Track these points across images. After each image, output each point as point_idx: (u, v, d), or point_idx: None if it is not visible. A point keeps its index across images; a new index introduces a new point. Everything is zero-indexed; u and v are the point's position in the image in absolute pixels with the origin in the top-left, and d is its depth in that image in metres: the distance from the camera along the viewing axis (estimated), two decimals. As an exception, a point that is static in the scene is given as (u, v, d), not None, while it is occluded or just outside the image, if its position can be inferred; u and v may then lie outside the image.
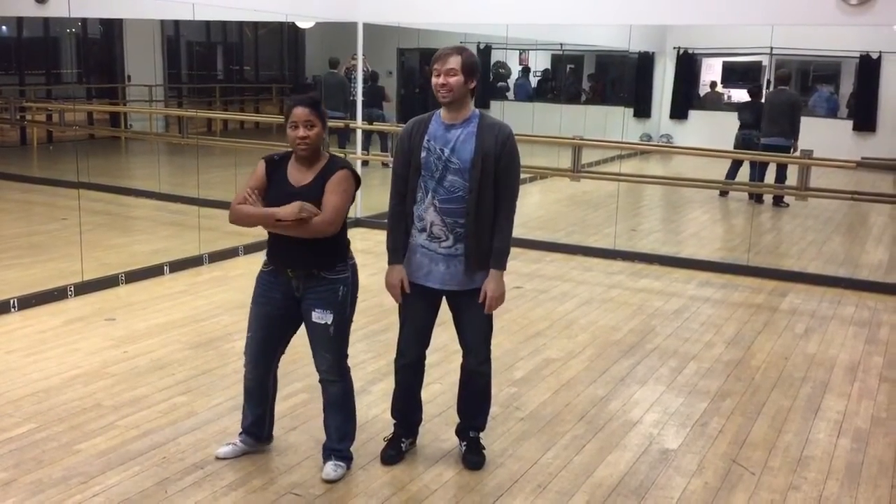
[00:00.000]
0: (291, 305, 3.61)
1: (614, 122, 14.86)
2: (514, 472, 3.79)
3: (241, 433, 3.85)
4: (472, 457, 3.82)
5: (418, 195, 3.59)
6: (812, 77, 17.18)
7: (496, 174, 3.53)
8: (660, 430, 4.29)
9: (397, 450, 3.85)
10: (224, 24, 17.53)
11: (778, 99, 10.80)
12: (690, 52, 16.75)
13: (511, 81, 18.05)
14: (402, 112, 14.40)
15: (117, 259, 7.13)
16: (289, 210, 3.41)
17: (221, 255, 7.37)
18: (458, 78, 3.47)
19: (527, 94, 17.65)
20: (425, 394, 3.98)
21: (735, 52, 15.77)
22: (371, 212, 8.56)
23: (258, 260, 3.80)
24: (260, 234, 3.74)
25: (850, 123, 15.48)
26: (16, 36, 15.24)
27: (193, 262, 7.14)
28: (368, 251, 7.48)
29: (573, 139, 8.51)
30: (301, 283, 3.56)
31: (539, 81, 18.37)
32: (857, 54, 15.21)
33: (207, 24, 17.07)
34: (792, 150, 10.34)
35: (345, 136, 11.95)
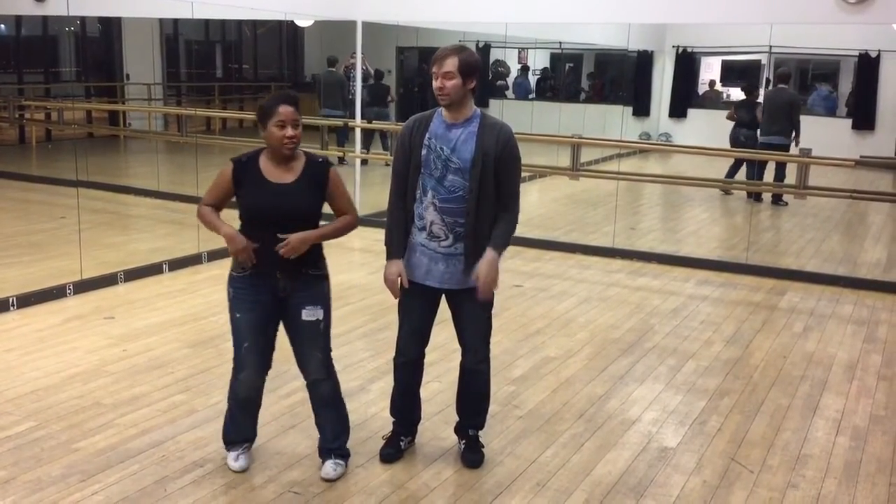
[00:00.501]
0: (277, 306, 3.56)
1: (613, 120, 14.89)
2: (513, 470, 3.79)
3: (245, 445, 3.75)
4: (471, 455, 3.82)
5: (418, 193, 3.59)
6: (811, 76, 17.19)
7: (497, 174, 3.52)
8: (658, 428, 4.29)
9: (396, 448, 3.85)
10: (223, 22, 17.52)
11: (778, 98, 10.81)
12: (689, 50, 16.76)
13: (510, 80, 18.06)
14: (401, 111, 14.39)
15: (116, 257, 7.13)
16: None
17: (220, 254, 7.33)
18: (456, 81, 3.44)
19: (526, 92, 17.65)
20: (424, 392, 3.99)
21: (734, 51, 15.78)
22: (371, 210, 8.55)
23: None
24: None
25: (848, 122, 15.49)
26: (14, 34, 15.23)
27: (192, 260, 7.14)
28: (367, 249, 7.48)
29: (572, 138, 8.52)
30: (289, 283, 3.52)
31: (538, 80, 18.38)
32: (856, 53, 15.23)
33: (206, 23, 17.06)
34: (795, 144, 10.37)
35: (343, 135, 11.96)
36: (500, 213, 3.58)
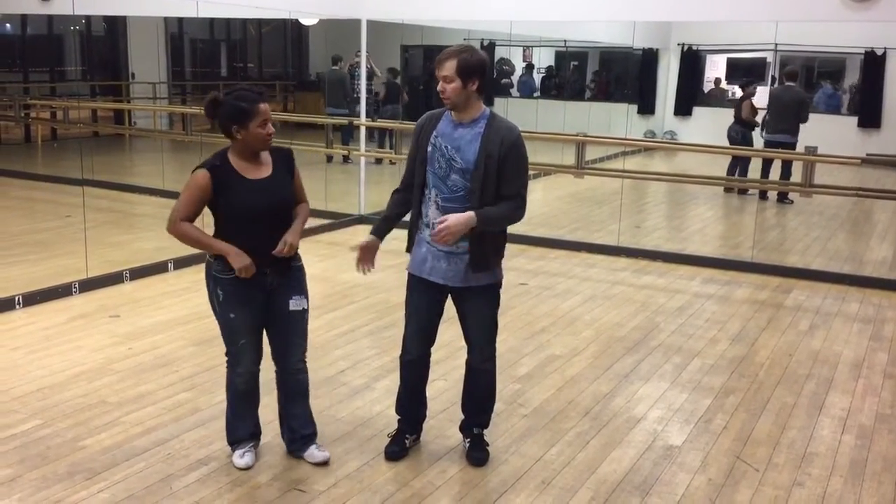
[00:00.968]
0: (265, 300, 3.61)
1: (618, 118, 14.84)
2: (518, 468, 3.79)
3: (252, 443, 3.77)
4: (476, 453, 3.82)
5: (424, 191, 3.60)
6: (817, 73, 17.14)
7: (501, 174, 3.48)
8: (664, 426, 4.28)
9: (401, 446, 3.86)
10: (228, 21, 17.52)
11: (786, 96, 10.79)
12: (695, 48, 16.73)
13: (515, 78, 18.03)
14: (406, 109, 14.39)
15: (121, 256, 7.14)
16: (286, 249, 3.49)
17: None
18: (455, 84, 3.43)
19: (531, 90, 17.64)
20: (430, 390, 3.98)
21: (739, 49, 15.75)
22: (375, 209, 8.56)
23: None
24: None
25: (854, 120, 15.44)
26: (20, 33, 15.26)
27: (197, 258, 7.12)
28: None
29: (577, 136, 8.49)
30: (276, 277, 3.58)
31: (543, 78, 18.36)
32: (862, 50, 15.17)
33: (211, 22, 17.07)
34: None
35: (348, 133, 11.96)
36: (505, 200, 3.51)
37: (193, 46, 18.13)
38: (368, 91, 10.86)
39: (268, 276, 3.55)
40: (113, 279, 6.51)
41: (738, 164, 11.08)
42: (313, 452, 3.77)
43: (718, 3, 7.69)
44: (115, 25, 15.35)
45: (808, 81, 16.63)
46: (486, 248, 3.56)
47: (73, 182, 8.87)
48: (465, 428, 3.91)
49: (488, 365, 3.78)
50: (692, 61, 16.95)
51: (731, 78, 17.20)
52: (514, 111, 14.80)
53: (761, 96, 11.99)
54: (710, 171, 11.37)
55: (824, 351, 5.50)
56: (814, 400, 4.68)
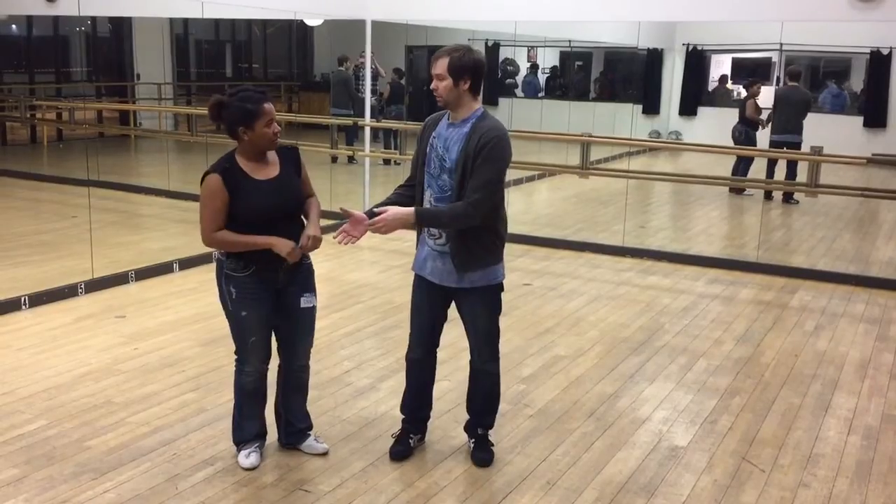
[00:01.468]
0: (275, 298, 3.64)
1: (623, 118, 14.83)
2: (523, 468, 3.79)
3: (258, 442, 3.77)
4: (481, 454, 3.82)
5: (423, 189, 3.62)
6: (822, 73, 17.10)
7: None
8: (669, 427, 4.28)
9: (405, 446, 3.86)
10: (233, 21, 17.57)
11: (792, 96, 10.78)
12: (699, 48, 16.70)
13: (519, 78, 18.03)
14: (410, 109, 14.40)
15: (127, 256, 7.16)
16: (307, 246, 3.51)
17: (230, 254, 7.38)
18: (446, 82, 3.44)
19: (535, 90, 17.63)
20: (434, 390, 3.98)
21: (744, 48, 15.72)
22: (379, 209, 8.56)
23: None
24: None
25: (860, 119, 15.40)
26: (26, 35, 15.30)
27: (203, 259, 7.15)
28: (376, 248, 7.47)
29: (582, 136, 8.49)
30: (288, 275, 3.61)
31: (547, 78, 18.35)
32: (868, 50, 15.13)
33: (216, 22, 17.11)
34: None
35: (353, 134, 11.97)
36: (455, 205, 3.44)
37: (198, 47, 18.17)
38: (373, 92, 10.87)
39: (279, 274, 3.57)
40: (119, 280, 6.53)
41: (741, 164, 11.09)
42: (313, 444, 3.83)
43: (723, 3, 7.67)
44: (121, 26, 15.40)
45: (813, 81, 16.60)
46: (469, 245, 3.53)
47: (78, 183, 8.89)
48: (469, 428, 3.91)
49: (489, 366, 3.78)
50: (697, 61, 16.93)
51: (736, 78, 17.18)
52: (519, 111, 14.81)
53: (766, 96, 11.98)
54: (715, 171, 11.36)
55: (830, 351, 5.48)
56: (820, 400, 4.67)
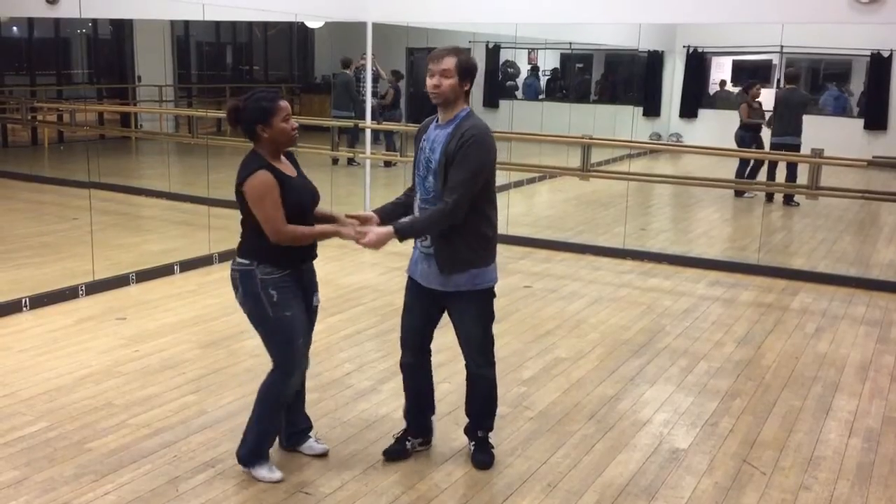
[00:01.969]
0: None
1: (623, 121, 14.83)
2: (524, 471, 3.79)
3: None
4: (481, 456, 3.82)
5: (415, 192, 3.65)
6: (823, 75, 17.10)
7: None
8: (670, 429, 4.28)
9: (401, 446, 3.86)
10: (234, 24, 17.58)
11: (792, 98, 10.78)
12: (700, 50, 16.70)
13: (520, 80, 18.03)
14: (410, 112, 14.40)
15: (128, 258, 7.16)
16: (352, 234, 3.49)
17: (231, 255, 7.37)
18: (453, 80, 3.43)
19: (536, 93, 17.62)
20: (434, 393, 3.97)
21: (745, 51, 15.71)
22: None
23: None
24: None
25: (861, 122, 15.39)
26: (27, 37, 15.32)
27: (203, 261, 7.16)
28: (377, 251, 7.49)
29: (582, 138, 8.49)
30: (310, 274, 3.67)
31: (548, 80, 18.34)
32: (869, 52, 15.12)
33: (217, 25, 17.13)
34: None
35: (354, 136, 11.97)
36: (433, 211, 3.44)
37: (199, 49, 18.18)
38: (374, 94, 10.87)
39: (304, 273, 3.62)
40: (119, 282, 6.53)
41: (747, 167, 11.08)
42: (312, 445, 3.84)
43: (724, 5, 7.67)
44: (122, 28, 15.42)
45: (814, 84, 16.59)
46: (452, 246, 3.51)
47: (79, 185, 8.90)
48: (469, 431, 3.91)
49: (484, 371, 3.77)
50: (697, 63, 16.92)
51: (736, 80, 17.17)
52: (520, 113, 14.81)
53: (766, 98, 11.98)
54: (716, 173, 11.36)
55: (831, 354, 5.48)
56: (820, 403, 4.67)
